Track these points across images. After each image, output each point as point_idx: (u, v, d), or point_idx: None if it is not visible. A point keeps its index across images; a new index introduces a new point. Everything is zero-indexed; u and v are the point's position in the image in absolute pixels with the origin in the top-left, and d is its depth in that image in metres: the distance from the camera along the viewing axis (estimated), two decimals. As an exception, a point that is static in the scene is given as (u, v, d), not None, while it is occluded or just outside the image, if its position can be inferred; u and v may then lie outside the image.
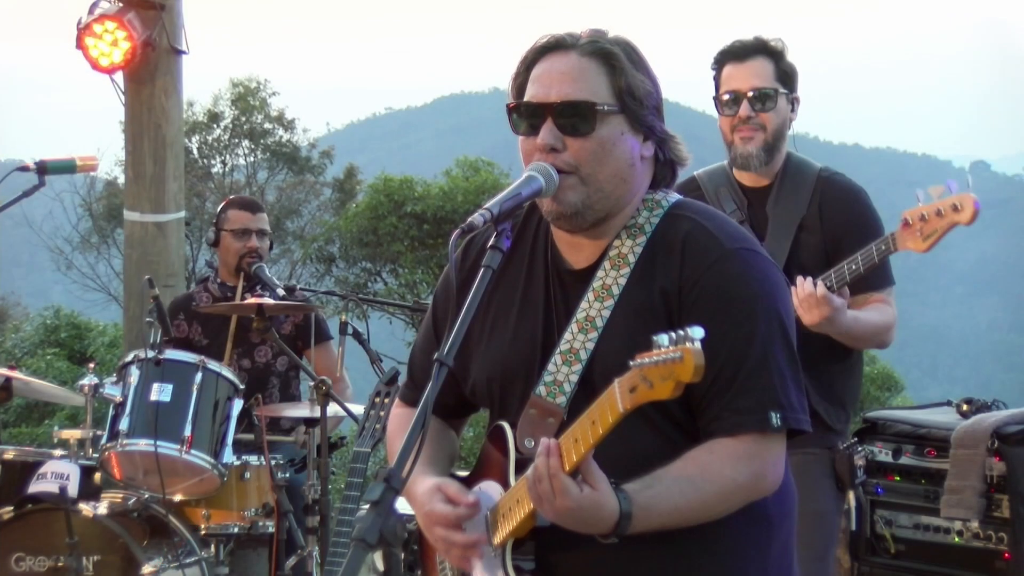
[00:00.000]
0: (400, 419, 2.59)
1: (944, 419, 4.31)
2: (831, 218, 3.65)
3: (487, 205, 2.24)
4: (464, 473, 2.49)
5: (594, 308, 2.27)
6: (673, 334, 1.89)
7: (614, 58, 2.26)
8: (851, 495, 3.71)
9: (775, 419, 2.17)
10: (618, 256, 2.29)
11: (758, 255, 2.29)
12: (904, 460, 4.23)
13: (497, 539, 2.28)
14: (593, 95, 2.25)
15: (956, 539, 4.08)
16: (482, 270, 2.19)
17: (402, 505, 2.17)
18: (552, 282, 2.36)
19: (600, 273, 2.29)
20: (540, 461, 2.09)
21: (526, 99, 2.29)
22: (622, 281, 2.26)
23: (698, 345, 1.86)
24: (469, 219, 2.21)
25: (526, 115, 2.30)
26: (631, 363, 1.95)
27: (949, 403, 4.53)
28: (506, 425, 2.32)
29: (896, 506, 4.20)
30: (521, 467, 2.23)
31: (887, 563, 4.19)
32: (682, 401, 2.19)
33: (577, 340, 2.27)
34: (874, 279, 3.63)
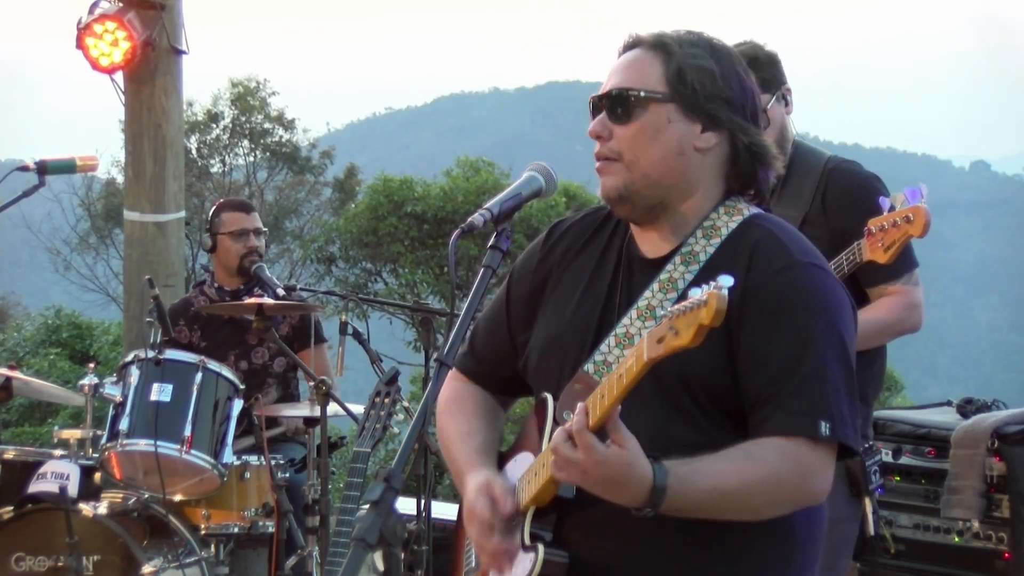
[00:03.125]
0: (452, 395, 2.57)
1: (944, 419, 4.31)
2: (835, 211, 3.59)
3: (487, 205, 2.25)
4: (504, 450, 2.50)
5: (656, 298, 2.27)
6: (705, 285, 1.91)
7: (666, 46, 2.28)
8: (867, 501, 3.64)
9: (824, 427, 2.15)
10: (690, 253, 2.29)
11: (827, 273, 2.28)
12: (904, 460, 4.24)
13: (521, 504, 2.28)
14: (638, 82, 2.28)
15: (956, 539, 4.08)
16: (482, 270, 2.21)
17: (402, 505, 2.17)
18: (621, 268, 2.36)
19: (669, 267, 2.29)
20: (559, 432, 2.09)
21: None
22: (688, 277, 2.26)
23: (724, 292, 1.88)
24: (469, 219, 2.22)
25: (594, 110, 2.34)
26: (661, 313, 1.97)
27: (949, 403, 4.53)
28: (549, 396, 2.32)
29: (896, 506, 4.20)
30: None
31: (887, 563, 4.19)
32: (730, 401, 2.20)
33: (634, 326, 2.27)
34: (886, 269, 3.54)
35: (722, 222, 2.30)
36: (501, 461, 2.45)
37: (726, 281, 1.89)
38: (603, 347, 2.28)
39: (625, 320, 2.28)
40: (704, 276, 2.23)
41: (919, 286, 3.70)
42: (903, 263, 3.62)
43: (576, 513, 2.22)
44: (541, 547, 2.21)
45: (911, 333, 3.68)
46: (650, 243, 2.35)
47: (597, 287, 2.37)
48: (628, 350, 2.22)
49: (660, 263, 2.31)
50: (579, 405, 2.09)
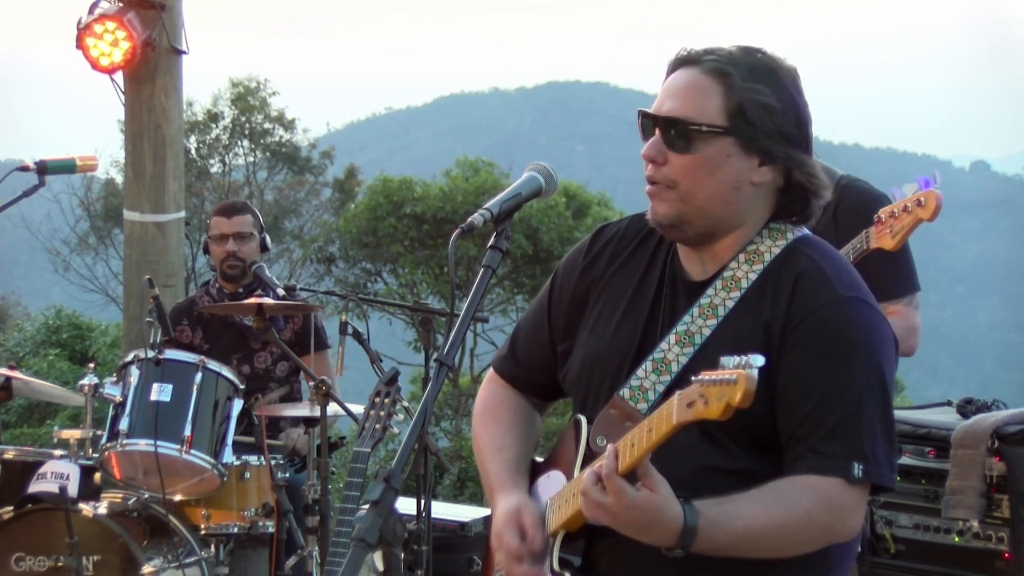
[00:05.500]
0: (489, 401, 2.58)
1: (944, 419, 4.31)
2: (845, 224, 3.60)
3: (487, 205, 2.26)
4: (540, 459, 2.51)
5: (696, 324, 2.26)
6: (738, 358, 1.90)
7: (728, 77, 2.22)
8: None
9: (857, 470, 2.15)
10: (732, 279, 2.27)
11: (871, 308, 2.26)
12: (904, 460, 4.23)
13: (550, 528, 2.29)
14: (697, 113, 2.22)
15: (956, 539, 4.08)
16: (482, 270, 2.21)
17: (402, 505, 2.18)
18: (664, 288, 2.35)
19: (710, 291, 2.27)
20: (588, 474, 2.10)
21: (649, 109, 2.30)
22: (729, 304, 2.25)
23: (754, 372, 1.87)
24: (469, 219, 2.22)
25: (644, 124, 2.29)
26: (693, 378, 1.96)
27: (949, 403, 4.52)
28: (584, 420, 2.32)
29: (896, 506, 4.20)
30: (588, 463, 2.23)
31: (887, 563, 4.19)
32: (767, 434, 2.20)
33: (672, 351, 2.26)
34: (889, 287, 3.53)
35: (765, 247, 2.28)
36: (534, 470, 2.46)
37: (756, 361, 1.88)
38: (639, 372, 2.27)
39: (663, 344, 2.27)
40: (745, 305, 2.23)
41: (919, 311, 3.70)
42: (906, 283, 3.63)
43: (606, 539, 2.22)
44: (568, 575, 2.23)
45: (905, 357, 3.68)
46: (693, 263, 2.33)
47: (639, 307, 2.35)
48: (664, 376, 2.24)
49: (702, 286, 2.29)
50: (609, 447, 2.09)
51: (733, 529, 2.10)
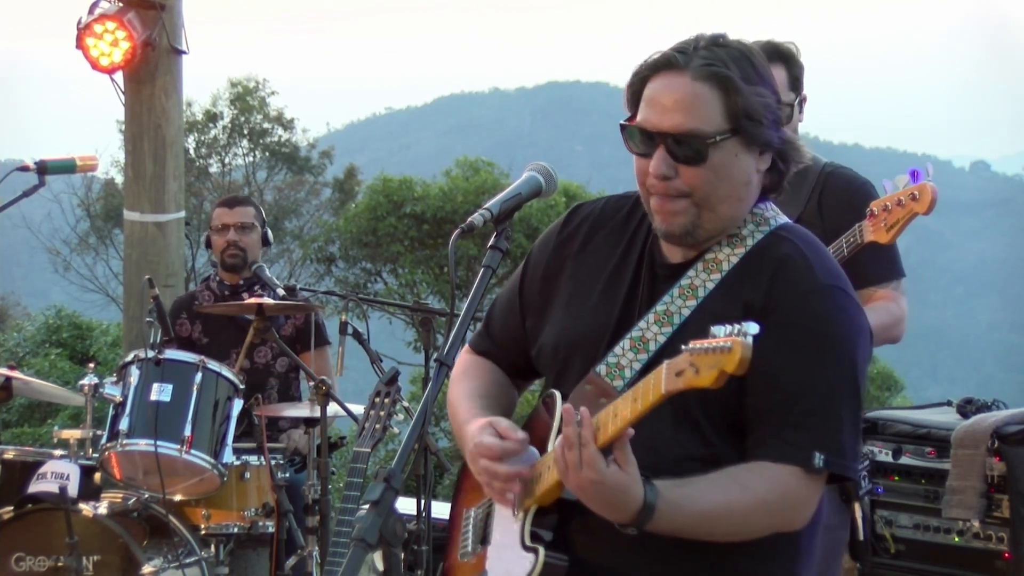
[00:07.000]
0: (465, 365, 2.57)
1: (944, 419, 4.31)
2: (830, 211, 3.61)
3: (487, 205, 2.26)
4: None
5: (675, 304, 2.26)
6: (729, 327, 1.90)
7: (728, 81, 2.20)
8: (856, 506, 3.66)
9: (818, 460, 2.16)
10: (713, 261, 2.27)
11: (850, 298, 2.26)
12: (904, 460, 4.23)
13: (523, 503, 2.28)
14: (706, 123, 2.19)
15: (956, 539, 4.08)
16: (482, 270, 2.21)
17: (402, 505, 2.18)
18: (643, 271, 2.34)
19: (691, 273, 2.27)
20: (570, 430, 2.09)
21: (639, 121, 2.24)
22: (709, 285, 2.25)
23: (749, 340, 1.87)
24: (469, 219, 2.23)
25: (639, 138, 2.25)
26: (683, 347, 1.96)
27: (949, 403, 4.52)
28: (558, 394, 2.32)
29: (896, 506, 4.20)
30: None
31: (887, 563, 4.19)
32: (734, 415, 2.20)
33: (650, 331, 2.26)
34: (876, 272, 3.57)
35: (747, 231, 2.29)
36: None
37: (751, 328, 1.88)
38: (617, 349, 2.27)
39: (642, 324, 2.27)
40: (725, 287, 2.23)
41: (905, 297, 3.71)
42: (893, 268, 3.64)
43: (580, 515, 2.22)
44: (542, 550, 2.21)
45: (892, 344, 3.69)
46: (674, 249, 2.33)
47: (617, 287, 2.35)
48: (642, 354, 2.24)
49: (682, 268, 2.29)
50: (584, 411, 2.08)
51: (690, 512, 2.12)
